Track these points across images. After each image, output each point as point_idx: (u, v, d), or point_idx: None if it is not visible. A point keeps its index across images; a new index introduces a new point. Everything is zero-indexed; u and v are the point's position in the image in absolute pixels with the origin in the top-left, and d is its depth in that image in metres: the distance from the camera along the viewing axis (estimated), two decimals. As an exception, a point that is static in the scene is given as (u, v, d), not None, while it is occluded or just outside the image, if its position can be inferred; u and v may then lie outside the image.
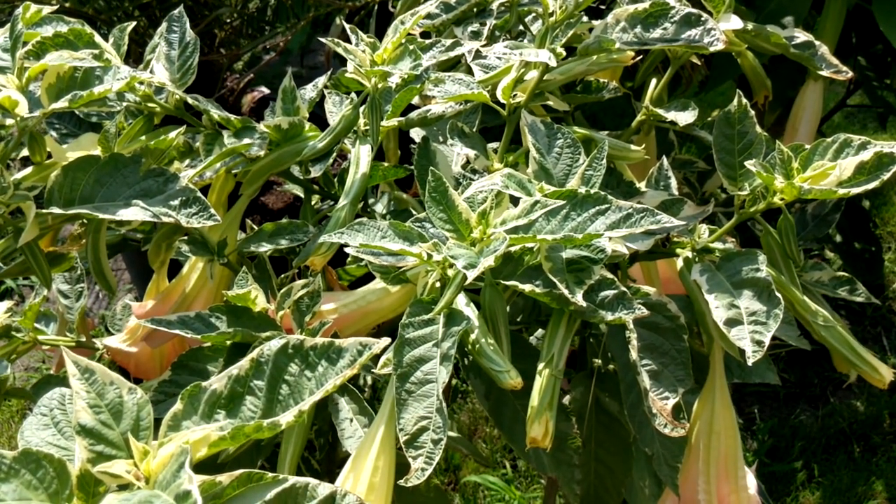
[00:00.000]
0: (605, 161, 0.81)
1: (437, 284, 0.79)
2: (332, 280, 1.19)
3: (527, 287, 0.79)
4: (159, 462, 0.50)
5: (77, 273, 1.28)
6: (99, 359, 1.24)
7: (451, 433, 1.25)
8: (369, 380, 1.27)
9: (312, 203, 1.21)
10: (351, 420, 0.92)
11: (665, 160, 1.02)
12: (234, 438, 0.53)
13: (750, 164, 0.85)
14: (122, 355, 1.18)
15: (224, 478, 0.57)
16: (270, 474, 0.59)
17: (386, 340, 0.55)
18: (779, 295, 0.83)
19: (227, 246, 1.01)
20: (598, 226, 0.72)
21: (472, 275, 0.69)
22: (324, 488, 0.59)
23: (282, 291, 0.92)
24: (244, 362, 0.55)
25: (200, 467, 0.68)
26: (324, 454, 1.05)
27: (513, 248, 0.82)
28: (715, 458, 0.95)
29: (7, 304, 1.19)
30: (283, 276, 1.05)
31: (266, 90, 2.51)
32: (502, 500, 1.98)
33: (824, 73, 1.11)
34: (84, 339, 1.25)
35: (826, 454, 2.16)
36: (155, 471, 0.49)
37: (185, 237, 1.02)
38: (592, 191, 0.74)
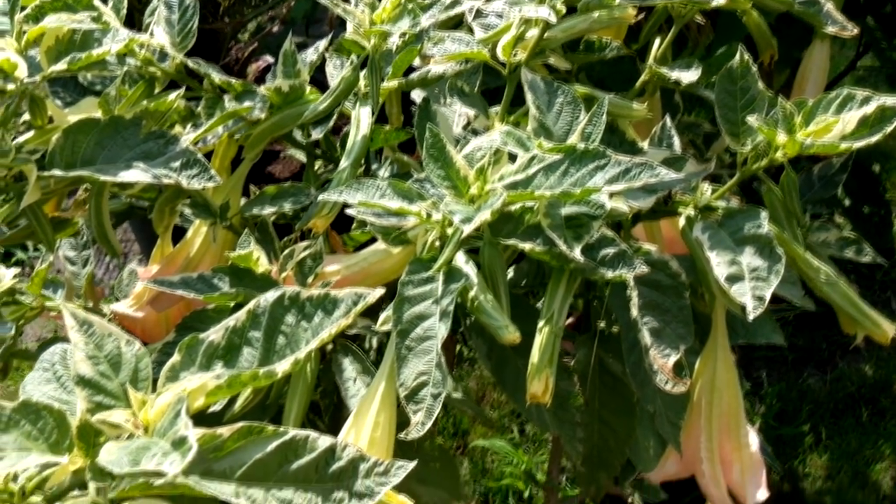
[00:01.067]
0: (605, 117, 0.81)
1: (437, 243, 0.79)
2: (336, 244, 1.20)
3: (526, 245, 0.79)
4: (157, 411, 0.50)
5: (84, 240, 1.29)
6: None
7: (456, 395, 1.25)
8: (374, 342, 1.27)
9: (315, 168, 1.21)
10: (355, 380, 0.93)
11: (668, 119, 1.02)
12: (231, 387, 0.53)
13: (751, 120, 0.85)
14: (129, 320, 1.19)
15: (224, 430, 0.58)
16: (271, 427, 0.59)
17: (380, 291, 0.56)
18: (780, 251, 0.82)
19: (230, 209, 1.02)
20: (597, 180, 0.72)
21: (468, 229, 0.69)
22: (324, 440, 0.60)
23: (284, 253, 0.92)
24: (241, 314, 0.55)
25: (204, 423, 0.69)
26: (329, 415, 1.05)
27: (512, 208, 0.82)
28: (717, 416, 0.96)
29: (14, 270, 1.20)
30: (285, 238, 1.05)
31: (271, 59, 2.50)
32: (510, 464, 1.99)
33: (829, 29, 1.10)
34: (91, 304, 1.26)
35: (834, 418, 2.17)
36: (153, 420, 0.50)
37: (189, 200, 1.03)
38: (591, 146, 0.73)
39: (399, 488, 0.62)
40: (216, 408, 0.86)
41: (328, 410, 1.03)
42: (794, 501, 2.01)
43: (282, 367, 0.54)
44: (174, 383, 0.53)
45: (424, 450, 1.05)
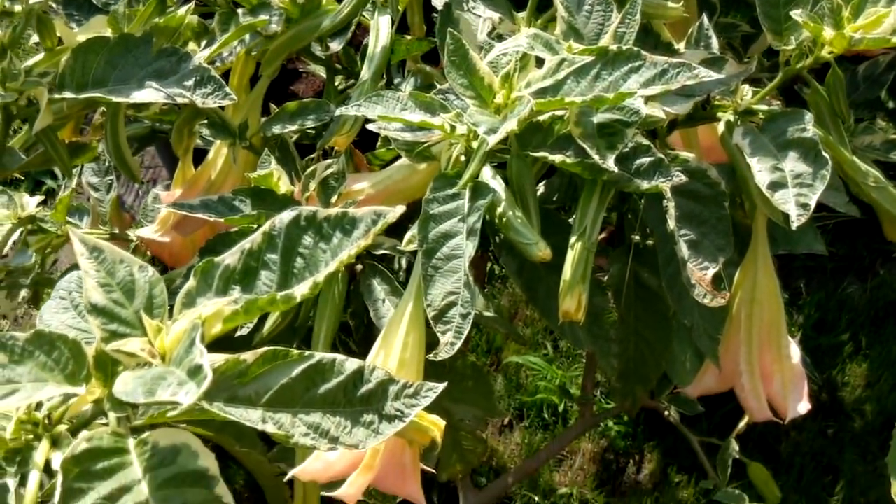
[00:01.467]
0: (638, 16, 0.75)
1: (462, 158, 0.76)
2: (360, 163, 1.17)
3: (557, 157, 0.76)
4: (173, 339, 0.48)
5: (106, 165, 1.27)
6: (134, 250, 1.24)
7: (488, 313, 1.23)
8: (404, 262, 1.25)
9: (336, 84, 1.17)
10: (384, 300, 0.91)
11: (705, 18, 0.96)
12: (248, 312, 0.51)
13: (796, 15, 0.79)
14: (156, 245, 1.18)
15: (248, 356, 0.56)
16: (296, 351, 0.57)
17: (401, 209, 0.53)
18: (826, 155, 0.78)
19: (249, 129, 0.99)
20: (631, 84, 0.67)
21: (493, 140, 0.65)
22: (351, 363, 0.58)
23: (306, 172, 0.89)
24: (256, 236, 0.53)
25: (233, 348, 0.68)
26: (360, 335, 1.04)
27: (541, 117, 0.78)
28: (757, 328, 0.93)
29: (38, 198, 1.19)
30: (307, 157, 1.02)
31: (290, -26, 2.42)
32: (544, 379, 1.99)
33: (881, -86, 1.02)
34: (118, 230, 1.25)
35: (874, 326, 2.13)
36: (169, 347, 0.48)
37: (206, 121, 1.00)
38: (625, 47, 0.69)
39: (432, 407, 0.60)
40: (244, 332, 0.85)
41: (359, 331, 1.01)
42: (832, 411, 1.99)
43: (300, 290, 0.52)
44: (190, 309, 0.51)
45: (457, 368, 1.03)
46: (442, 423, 0.69)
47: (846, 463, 1.90)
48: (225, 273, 0.52)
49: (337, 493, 0.70)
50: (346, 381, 0.58)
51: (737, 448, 1.32)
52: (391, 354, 0.74)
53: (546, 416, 1.97)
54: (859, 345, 2.09)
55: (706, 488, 1.40)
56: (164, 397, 0.43)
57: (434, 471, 0.79)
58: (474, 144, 0.73)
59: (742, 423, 1.34)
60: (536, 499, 1.82)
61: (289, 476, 0.71)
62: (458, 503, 1.42)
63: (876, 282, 2.21)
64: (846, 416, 2.00)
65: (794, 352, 0.94)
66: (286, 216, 0.52)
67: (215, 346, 0.77)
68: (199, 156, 1.12)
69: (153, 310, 0.51)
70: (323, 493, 0.78)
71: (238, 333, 0.83)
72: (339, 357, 0.58)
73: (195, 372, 0.44)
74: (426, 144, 0.80)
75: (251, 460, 0.86)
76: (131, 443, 0.48)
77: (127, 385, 0.45)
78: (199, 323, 0.47)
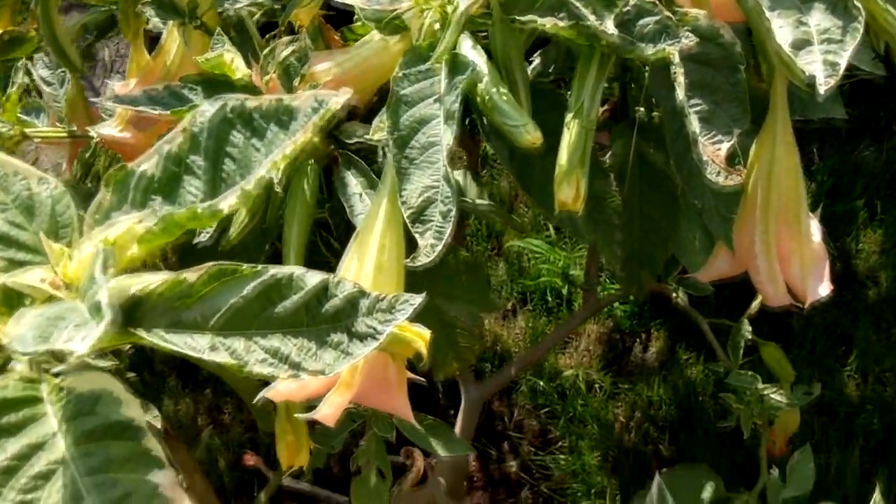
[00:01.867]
0: None
1: (436, 27, 0.65)
2: (332, 41, 1.05)
3: (547, 21, 0.65)
4: (79, 265, 0.40)
5: (57, 57, 1.16)
6: (95, 148, 1.15)
7: (482, 202, 1.15)
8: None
9: (301, -49, 1.05)
10: (360, 195, 0.82)
11: None
12: (166, 230, 0.43)
13: None
14: (118, 144, 1.09)
15: (191, 274, 0.48)
16: (247, 266, 0.50)
17: (347, 94, 0.43)
18: (858, 4, 0.68)
19: (200, 6, 0.87)
20: (631, -73, 0.57)
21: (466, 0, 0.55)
22: (313, 276, 0.51)
23: (265, 52, 0.79)
24: (175, 134, 0.44)
25: (197, 256, 0.60)
26: (341, 232, 0.96)
27: (528, -25, 0.67)
28: (775, 204, 0.84)
29: (-12, 97, 1.09)
30: (267, 36, 0.91)
31: None
32: (547, 262, 1.93)
33: None
34: (77, 128, 1.16)
35: (890, 190, 2.04)
36: (76, 276, 0.40)
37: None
38: None
39: (424, 310, 0.52)
40: (205, 239, 0.76)
41: (339, 228, 0.93)
42: (846, 280, 1.93)
43: (228, 202, 0.43)
44: (102, 228, 0.42)
45: (448, 263, 0.96)
46: (427, 333, 0.61)
47: (860, 332, 1.85)
48: (142, 182, 0.43)
49: (313, 415, 0.63)
50: (308, 296, 0.50)
51: (749, 329, 1.26)
52: (366, 258, 0.65)
53: (549, 300, 1.92)
54: (874, 210, 2.01)
55: (715, 370, 1.35)
56: (58, 344, 0.35)
57: (423, 380, 0.73)
58: (449, 10, 0.62)
59: (754, 304, 1.27)
60: (541, 383, 1.79)
61: (259, 396, 0.64)
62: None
63: (892, 143, 2.11)
64: (860, 284, 1.94)
65: (815, 230, 0.86)
66: (208, 109, 0.43)
67: (181, 257, 0.68)
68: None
69: (58, 231, 0.42)
70: (299, 415, 0.71)
71: (197, 241, 0.74)
72: (298, 271, 0.50)
73: (96, 310, 0.36)
74: (395, 13, 0.69)
75: (227, 374, 0.80)
76: (45, 389, 0.40)
77: (22, 327, 0.37)
78: (102, 247, 0.39)
